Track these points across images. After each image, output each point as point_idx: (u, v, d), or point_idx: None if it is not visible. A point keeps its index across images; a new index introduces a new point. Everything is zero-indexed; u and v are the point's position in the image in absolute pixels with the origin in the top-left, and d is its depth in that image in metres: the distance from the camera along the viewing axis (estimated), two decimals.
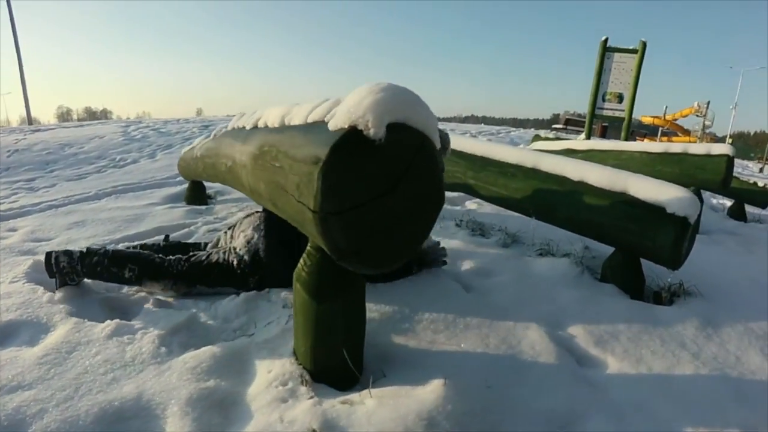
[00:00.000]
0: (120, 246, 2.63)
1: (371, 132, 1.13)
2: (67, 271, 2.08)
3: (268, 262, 2.10)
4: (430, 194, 1.31)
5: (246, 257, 2.11)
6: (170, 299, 2.15)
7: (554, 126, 18.04)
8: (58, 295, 2.07)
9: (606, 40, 8.21)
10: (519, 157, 3.11)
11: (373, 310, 1.97)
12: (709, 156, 4.19)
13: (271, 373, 1.55)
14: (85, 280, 2.17)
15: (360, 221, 1.22)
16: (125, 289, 2.24)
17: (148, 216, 3.58)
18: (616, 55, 8.23)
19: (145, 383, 1.54)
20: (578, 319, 2.07)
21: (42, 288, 2.14)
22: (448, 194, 4.31)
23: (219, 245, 2.34)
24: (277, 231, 2.15)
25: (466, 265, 2.61)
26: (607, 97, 8.48)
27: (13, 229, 3.42)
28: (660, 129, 23.63)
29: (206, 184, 4.11)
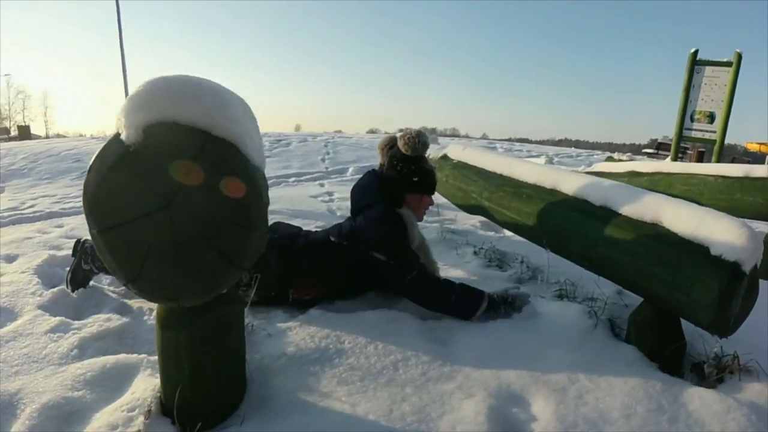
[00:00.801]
0: None
1: (124, 135, 0.95)
2: (91, 257, 2.17)
3: None
4: (231, 210, 0.88)
5: None
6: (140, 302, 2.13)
7: (645, 150, 16.47)
8: (48, 288, 2.22)
9: (696, 53, 7.16)
10: (539, 176, 2.50)
11: (296, 342, 1.73)
12: None
13: (132, 395, 1.44)
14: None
15: (132, 241, 1.00)
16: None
17: None
18: (708, 68, 7.13)
19: (32, 382, 1.54)
20: (555, 395, 1.45)
21: (37, 279, 2.32)
22: (469, 218, 3.81)
23: None
24: None
25: None
26: (696, 116, 7.37)
27: (60, 226, 3.70)
28: None
29: None
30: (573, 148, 16.97)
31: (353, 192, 2.21)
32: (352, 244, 2.01)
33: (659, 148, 18.13)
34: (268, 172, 6.39)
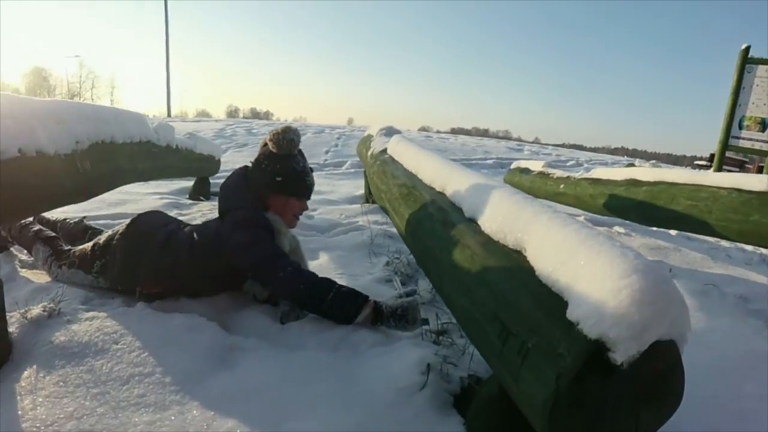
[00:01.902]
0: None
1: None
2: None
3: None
4: None
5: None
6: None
7: (697, 162, 14.85)
8: None
9: (747, 49, 6.04)
10: (436, 174, 1.80)
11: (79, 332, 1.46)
12: None
13: None
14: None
15: None
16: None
17: (131, 202, 3.58)
18: (761, 68, 6.01)
19: None
20: None
21: None
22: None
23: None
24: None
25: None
26: (745, 123, 6.25)
27: None
28: None
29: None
30: (624, 156, 15.83)
31: (221, 190, 1.93)
32: (216, 246, 1.78)
33: (712, 160, 16.32)
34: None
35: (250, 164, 1.95)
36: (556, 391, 0.75)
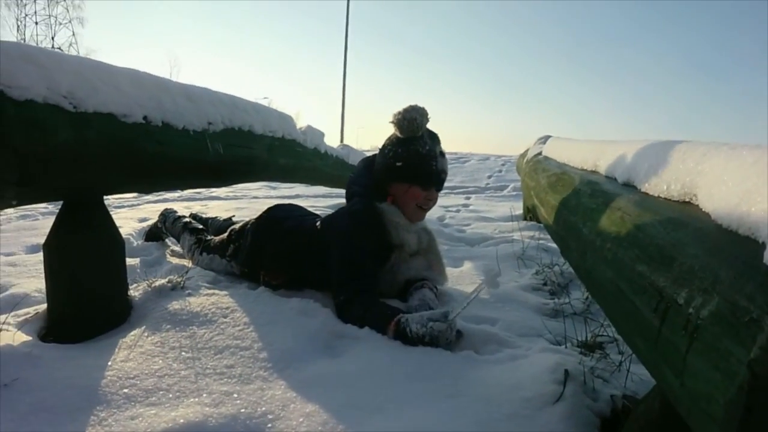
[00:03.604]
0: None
1: None
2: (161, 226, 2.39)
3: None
4: None
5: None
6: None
7: None
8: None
9: None
10: (586, 153, 1.47)
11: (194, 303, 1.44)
12: None
13: None
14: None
15: None
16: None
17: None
18: None
19: None
20: None
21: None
22: None
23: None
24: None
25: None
26: None
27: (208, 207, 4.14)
28: None
29: None
30: None
31: (348, 181, 1.82)
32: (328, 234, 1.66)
33: None
34: None
35: None
36: (750, 386, 0.42)
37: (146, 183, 1.49)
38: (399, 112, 1.62)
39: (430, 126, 1.68)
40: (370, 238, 1.56)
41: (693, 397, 0.50)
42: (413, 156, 1.61)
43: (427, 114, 1.63)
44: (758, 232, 0.50)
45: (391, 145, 1.66)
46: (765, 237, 0.48)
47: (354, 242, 1.55)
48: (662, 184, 0.79)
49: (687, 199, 0.71)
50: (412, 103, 1.65)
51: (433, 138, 1.68)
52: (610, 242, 0.82)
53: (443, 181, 1.69)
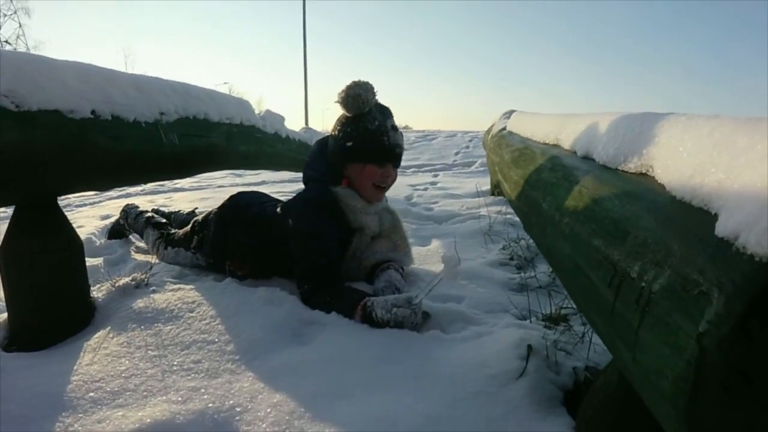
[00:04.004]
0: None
1: None
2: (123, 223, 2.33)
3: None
4: None
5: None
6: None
7: None
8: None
9: None
10: (549, 127, 1.48)
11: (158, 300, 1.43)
12: None
13: None
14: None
15: None
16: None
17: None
18: None
19: None
20: None
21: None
22: None
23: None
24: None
25: None
26: None
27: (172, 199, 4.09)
28: None
29: None
30: None
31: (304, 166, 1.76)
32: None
33: None
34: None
35: None
36: (699, 361, 0.42)
37: (101, 180, 1.43)
38: (343, 90, 1.54)
39: (386, 102, 1.64)
40: (327, 223, 1.53)
41: (645, 371, 0.51)
42: (363, 133, 1.54)
43: (372, 88, 1.56)
44: (711, 204, 0.50)
45: (341, 125, 1.59)
46: (717, 208, 0.48)
47: (311, 229, 1.52)
48: (620, 157, 0.80)
49: (644, 171, 0.72)
50: (355, 79, 1.58)
51: (383, 112, 1.61)
52: (568, 217, 0.82)
53: (399, 155, 1.62)
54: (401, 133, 1.64)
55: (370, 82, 1.57)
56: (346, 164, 1.59)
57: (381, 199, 1.66)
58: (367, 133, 1.54)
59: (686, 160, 0.58)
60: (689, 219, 0.53)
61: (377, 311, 1.24)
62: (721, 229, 0.45)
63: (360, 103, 1.52)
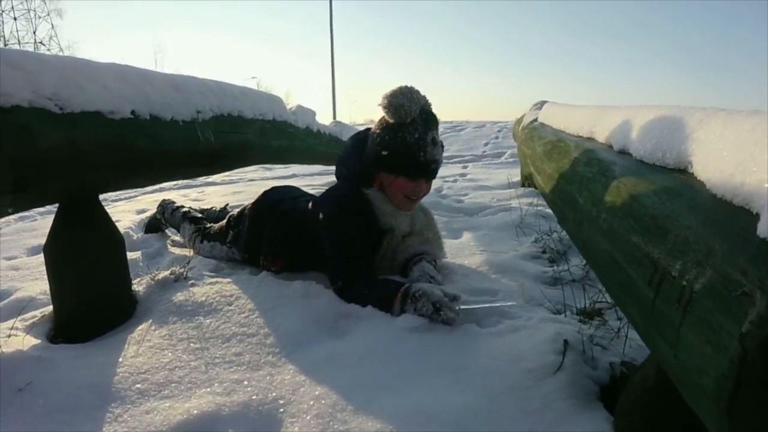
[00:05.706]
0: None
1: None
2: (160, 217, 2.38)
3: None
4: None
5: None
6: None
7: None
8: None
9: None
10: (582, 120, 1.47)
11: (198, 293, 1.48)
12: None
13: None
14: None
15: None
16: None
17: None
18: None
19: None
20: None
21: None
22: None
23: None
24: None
25: None
26: None
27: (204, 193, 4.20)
28: None
29: None
30: None
31: (336, 160, 1.76)
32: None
33: None
34: None
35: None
36: (741, 361, 0.43)
37: (140, 178, 1.49)
38: (386, 96, 1.49)
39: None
40: (358, 222, 1.53)
41: (686, 369, 0.52)
42: (399, 144, 1.48)
43: (417, 98, 1.50)
44: (752, 203, 0.50)
45: (380, 130, 1.54)
46: (759, 208, 0.49)
47: (341, 227, 1.52)
48: (657, 152, 0.79)
49: (682, 167, 0.72)
50: (402, 85, 1.52)
51: (427, 122, 1.53)
52: (606, 212, 0.82)
53: (434, 171, 1.56)
54: (442, 144, 1.57)
55: (418, 90, 1.52)
56: (379, 171, 1.56)
57: (411, 209, 1.63)
58: (404, 146, 1.48)
59: (727, 158, 0.58)
60: (730, 218, 0.53)
61: (420, 303, 1.25)
62: (763, 229, 0.46)
63: (402, 113, 1.46)
